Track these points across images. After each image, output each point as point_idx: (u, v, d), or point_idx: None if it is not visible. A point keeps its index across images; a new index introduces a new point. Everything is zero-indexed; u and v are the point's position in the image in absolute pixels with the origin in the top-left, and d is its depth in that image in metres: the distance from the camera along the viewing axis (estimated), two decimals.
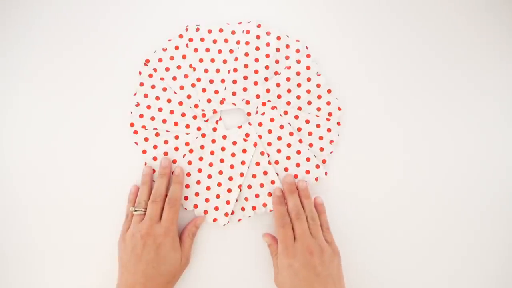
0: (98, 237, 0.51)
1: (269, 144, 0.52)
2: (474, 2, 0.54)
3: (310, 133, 0.52)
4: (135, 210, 0.48)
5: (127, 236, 0.47)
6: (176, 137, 0.51)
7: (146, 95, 0.52)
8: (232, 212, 0.51)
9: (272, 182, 0.51)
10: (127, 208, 0.50)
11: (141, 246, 0.45)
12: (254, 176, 0.51)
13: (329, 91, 0.52)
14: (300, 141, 0.52)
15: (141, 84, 0.52)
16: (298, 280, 0.45)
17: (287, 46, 0.52)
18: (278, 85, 0.52)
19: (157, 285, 0.45)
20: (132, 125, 0.51)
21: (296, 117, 0.52)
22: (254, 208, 0.51)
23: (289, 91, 0.52)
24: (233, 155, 0.51)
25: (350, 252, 0.52)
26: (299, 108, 0.52)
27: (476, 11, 0.54)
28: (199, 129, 0.52)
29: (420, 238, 0.53)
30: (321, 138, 0.52)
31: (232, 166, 0.51)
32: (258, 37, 0.52)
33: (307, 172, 0.52)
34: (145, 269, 0.45)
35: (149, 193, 0.49)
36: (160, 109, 0.52)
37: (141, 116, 0.51)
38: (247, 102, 0.52)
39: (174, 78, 0.52)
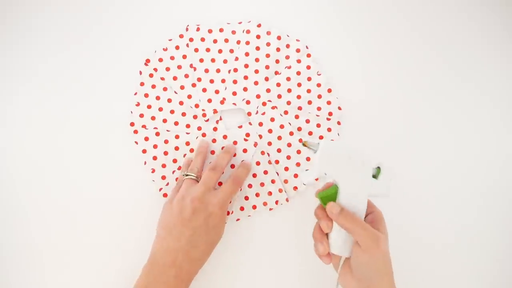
0: (98, 236, 0.51)
1: (269, 143, 0.52)
2: (475, 2, 0.55)
3: (310, 133, 0.52)
4: (187, 175, 0.46)
5: (176, 199, 0.44)
6: (177, 137, 0.51)
7: (146, 95, 0.52)
8: (232, 212, 0.51)
9: (273, 181, 0.51)
10: (179, 176, 0.49)
11: (191, 210, 0.43)
12: (254, 175, 0.51)
13: (329, 90, 0.52)
14: (300, 140, 0.52)
15: (142, 84, 0.52)
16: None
17: (287, 46, 0.53)
18: (278, 84, 0.52)
19: (199, 254, 0.43)
20: (132, 124, 0.51)
21: (297, 116, 0.52)
22: (254, 207, 0.51)
23: (289, 90, 0.52)
24: (233, 155, 0.51)
25: None
26: (300, 108, 0.52)
27: (477, 11, 0.55)
28: (199, 128, 0.52)
29: (420, 237, 0.53)
30: (321, 137, 0.52)
31: (232, 166, 0.51)
32: (258, 36, 0.52)
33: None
34: (191, 235, 0.42)
35: (203, 164, 0.48)
36: (160, 109, 0.52)
37: (141, 115, 0.51)
38: (248, 102, 0.52)
39: (175, 78, 0.52)
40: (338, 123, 0.52)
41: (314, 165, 0.40)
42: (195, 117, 0.52)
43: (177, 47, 0.52)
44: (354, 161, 0.40)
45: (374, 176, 0.41)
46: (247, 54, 0.52)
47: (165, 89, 0.52)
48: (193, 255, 0.43)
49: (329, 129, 0.52)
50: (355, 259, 0.40)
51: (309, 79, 0.52)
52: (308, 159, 0.51)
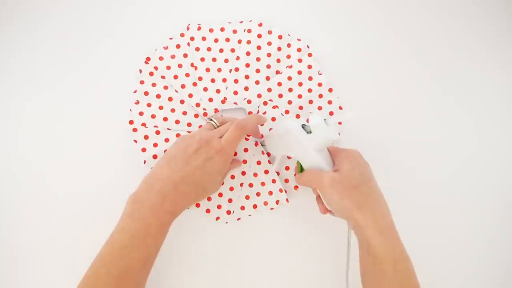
0: (97, 236, 0.50)
1: None
2: (476, 2, 0.56)
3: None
4: (211, 119, 0.47)
5: (187, 135, 0.45)
6: (178, 135, 0.51)
7: (146, 93, 0.51)
8: (232, 212, 0.51)
9: (273, 181, 0.51)
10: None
11: (194, 149, 0.43)
12: (255, 175, 0.51)
13: (330, 90, 0.52)
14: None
15: (142, 82, 0.52)
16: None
17: (289, 45, 0.53)
18: (279, 84, 0.52)
19: (188, 191, 0.43)
20: (131, 122, 0.51)
21: (298, 116, 0.52)
22: (255, 206, 0.51)
23: (290, 90, 0.52)
24: (234, 154, 0.51)
25: (352, 251, 0.52)
26: (301, 107, 0.52)
27: (478, 11, 0.56)
28: (200, 127, 0.51)
29: (421, 237, 0.53)
30: None
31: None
32: (259, 36, 0.52)
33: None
34: (186, 171, 0.42)
35: (229, 122, 0.47)
36: (161, 107, 0.51)
37: (141, 113, 0.51)
38: (249, 102, 0.52)
39: (176, 77, 0.52)
40: (339, 122, 0.52)
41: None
42: (196, 116, 0.52)
43: (178, 46, 0.52)
44: (283, 134, 0.45)
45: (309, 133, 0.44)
46: (248, 53, 0.52)
47: (165, 87, 0.52)
48: (181, 189, 0.42)
49: None
50: (325, 204, 0.44)
51: (310, 78, 0.52)
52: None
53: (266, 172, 0.51)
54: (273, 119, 0.52)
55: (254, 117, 0.47)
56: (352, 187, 0.41)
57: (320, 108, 0.52)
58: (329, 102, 0.52)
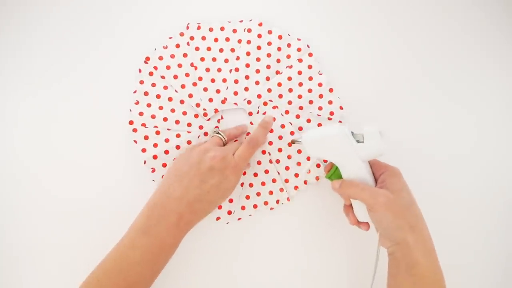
0: (96, 236, 0.50)
1: (270, 143, 0.52)
2: (477, 2, 0.55)
3: None
4: (218, 132, 0.47)
5: (197, 149, 0.44)
6: (178, 135, 0.51)
7: (146, 93, 0.51)
8: (234, 211, 0.51)
9: (274, 180, 0.51)
10: (210, 132, 0.50)
11: (208, 167, 0.43)
12: (255, 175, 0.51)
13: (330, 90, 0.52)
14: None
15: (141, 82, 0.51)
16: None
17: (289, 45, 0.53)
18: (279, 84, 0.52)
19: (201, 208, 0.43)
20: (131, 123, 0.51)
21: (298, 116, 0.52)
22: (255, 206, 0.51)
23: (290, 90, 0.52)
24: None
25: (353, 251, 0.52)
26: (301, 107, 0.52)
27: (478, 11, 0.55)
28: (201, 127, 0.51)
29: None
30: None
31: None
32: (259, 35, 0.52)
33: (309, 171, 0.52)
34: (200, 189, 0.42)
35: (235, 136, 0.48)
36: (161, 107, 0.51)
37: (140, 114, 0.51)
38: (249, 102, 0.52)
39: (175, 77, 0.51)
40: (340, 122, 0.52)
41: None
42: (196, 116, 0.51)
43: (177, 46, 0.52)
44: (328, 137, 0.44)
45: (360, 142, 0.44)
46: (248, 53, 0.52)
47: (165, 87, 0.51)
48: (196, 208, 0.43)
49: None
50: (372, 220, 0.43)
51: (310, 78, 0.52)
52: (308, 158, 0.51)
53: (266, 172, 0.51)
54: (274, 119, 0.52)
55: (263, 130, 0.47)
56: (406, 208, 0.41)
57: (320, 108, 0.52)
58: (330, 102, 0.52)
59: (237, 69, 0.52)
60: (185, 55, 0.52)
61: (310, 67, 0.52)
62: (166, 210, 0.42)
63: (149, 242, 0.41)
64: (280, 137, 0.52)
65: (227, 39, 0.52)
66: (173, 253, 0.43)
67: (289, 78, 0.52)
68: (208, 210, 0.44)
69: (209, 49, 0.52)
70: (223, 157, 0.43)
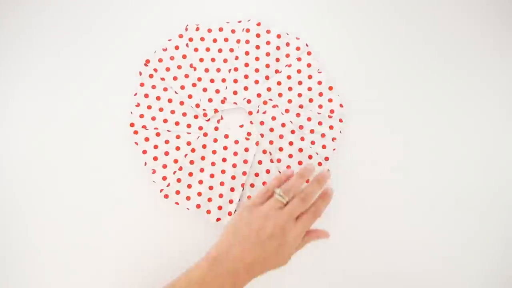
0: (98, 238, 0.50)
1: (271, 142, 0.52)
2: (477, 2, 0.55)
3: (312, 131, 0.52)
4: (280, 195, 0.45)
5: (258, 213, 0.44)
6: (177, 137, 0.51)
7: (146, 95, 0.51)
8: (235, 211, 0.51)
9: None
10: (271, 185, 0.47)
11: (269, 233, 0.43)
12: (256, 174, 0.51)
13: (330, 88, 0.52)
14: (302, 139, 0.51)
15: (142, 84, 0.52)
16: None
17: (287, 44, 0.53)
18: (279, 83, 0.52)
19: (257, 271, 0.44)
20: (132, 125, 0.51)
21: (298, 115, 0.52)
22: None
23: (290, 89, 0.52)
24: (235, 154, 0.51)
25: (353, 250, 0.51)
26: (301, 106, 0.52)
27: (479, 10, 0.55)
28: (200, 128, 0.51)
29: (423, 236, 0.52)
30: (323, 135, 0.52)
31: (234, 165, 0.51)
32: (258, 35, 0.52)
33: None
34: (258, 254, 0.43)
35: (300, 188, 0.47)
36: (161, 109, 0.51)
37: (141, 116, 0.51)
38: (248, 101, 0.52)
39: (175, 78, 0.52)
40: (340, 120, 0.52)
41: None
42: (196, 117, 0.51)
43: (176, 47, 0.52)
44: None
45: None
46: (247, 53, 0.52)
47: (165, 89, 0.52)
48: (253, 270, 0.43)
49: (331, 127, 0.52)
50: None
51: (309, 77, 0.52)
52: (310, 157, 0.51)
53: (268, 171, 0.51)
54: (273, 118, 0.51)
55: (327, 203, 0.47)
56: None
57: (320, 106, 0.52)
58: (330, 100, 0.52)
59: (236, 69, 0.52)
60: (184, 56, 0.52)
61: (309, 65, 0.52)
62: (225, 268, 0.42)
63: None
64: (281, 136, 0.51)
65: (226, 40, 0.52)
66: None
67: (289, 77, 0.52)
68: (263, 272, 0.45)
69: (208, 49, 0.52)
70: (284, 226, 0.44)
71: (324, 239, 0.49)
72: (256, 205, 0.45)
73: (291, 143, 0.51)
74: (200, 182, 0.51)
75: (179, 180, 0.50)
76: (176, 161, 0.51)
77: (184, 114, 0.51)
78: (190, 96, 0.52)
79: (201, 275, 0.42)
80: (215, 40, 0.52)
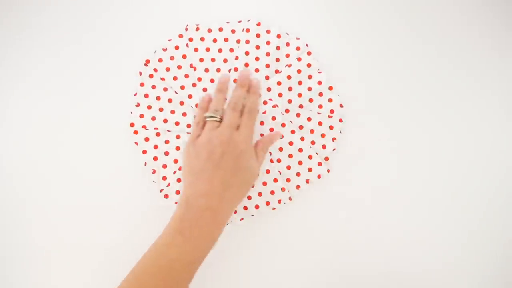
0: (98, 238, 0.51)
1: None
2: (477, 2, 0.55)
3: (312, 131, 0.52)
4: (211, 116, 0.45)
5: (200, 142, 0.44)
6: (177, 137, 0.51)
7: (146, 95, 0.51)
8: (235, 211, 0.51)
9: (275, 180, 0.51)
10: (198, 115, 0.47)
11: (220, 153, 0.42)
12: None
13: (330, 88, 0.52)
14: (302, 139, 0.51)
15: (142, 85, 0.52)
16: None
17: (287, 44, 0.53)
18: (279, 83, 0.52)
19: (233, 195, 0.43)
20: (132, 125, 0.51)
21: (298, 115, 0.52)
22: (257, 206, 0.51)
23: (290, 89, 0.52)
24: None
25: (352, 250, 0.51)
26: (301, 106, 0.52)
27: (478, 11, 0.55)
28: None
29: (424, 235, 0.52)
30: (323, 135, 0.52)
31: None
32: (258, 35, 0.52)
33: (310, 169, 0.51)
34: (223, 177, 0.42)
35: (225, 101, 0.47)
36: (161, 109, 0.51)
37: (141, 116, 0.51)
38: None
39: (175, 78, 0.52)
40: (340, 120, 0.52)
41: None
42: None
43: (176, 47, 0.52)
44: None
45: None
46: (247, 53, 0.52)
47: (165, 89, 0.52)
48: (227, 197, 0.42)
49: (331, 127, 0.52)
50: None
51: (309, 77, 0.52)
52: (310, 157, 0.51)
53: (268, 171, 0.51)
54: (273, 118, 0.51)
55: (257, 96, 0.47)
56: None
57: (320, 106, 0.52)
58: (330, 100, 0.52)
59: (236, 69, 0.52)
60: (184, 56, 0.52)
61: (309, 65, 0.52)
62: (199, 209, 0.41)
63: (185, 241, 0.41)
64: (282, 136, 0.51)
65: (226, 40, 0.52)
66: (209, 250, 0.43)
67: (289, 77, 0.52)
68: (242, 193, 0.44)
69: (208, 49, 0.52)
70: (229, 139, 0.43)
71: (277, 139, 0.49)
72: (196, 138, 0.45)
73: (291, 143, 0.51)
74: None
75: (179, 180, 0.50)
76: (176, 161, 0.51)
77: (184, 114, 0.51)
78: (190, 96, 0.52)
79: (177, 223, 0.41)
80: (215, 40, 0.52)
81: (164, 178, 0.51)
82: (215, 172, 0.42)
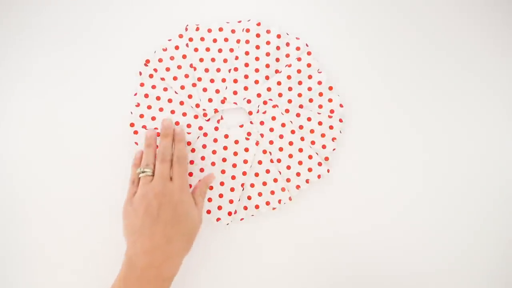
0: (97, 238, 0.51)
1: (271, 142, 0.52)
2: (478, 2, 0.55)
3: (312, 131, 0.52)
4: (143, 171, 0.45)
5: (136, 199, 0.43)
6: None
7: (146, 95, 0.51)
8: (235, 212, 0.51)
9: (275, 180, 0.51)
10: (132, 174, 0.47)
11: (157, 206, 0.42)
12: (256, 174, 0.51)
13: (330, 88, 0.52)
14: (302, 139, 0.51)
15: (142, 85, 0.52)
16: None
17: (287, 44, 0.53)
18: (279, 83, 0.52)
19: (177, 247, 0.42)
20: (132, 125, 0.51)
21: (298, 115, 0.52)
22: (257, 206, 0.51)
23: (290, 89, 0.52)
24: (235, 154, 0.51)
25: (352, 250, 0.51)
26: (301, 106, 0.52)
27: (480, 11, 0.55)
28: (200, 128, 0.51)
29: (423, 236, 0.52)
30: (323, 135, 0.52)
31: (234, 165, 0.51)
32: (258, 35, 0.52)
33: (310, 169, 0.51)
34: (163, 230, 0.41)
35: (154, 155, 0.47)
36: (161, 109, 0.51)
37: (141, 116, 0.51)
38: (248, 101, 0.52)
39: (175, 78, 0.52)
40: (340, 120, 0.52)
41: None
42: (196, 117, 0.52)
43: (176, 47, 0.52)
44: None
45: None
46: (247, 53, 0.52)
47: (165, 89, 0.52)
48: (171, 251, 0.42)
49: (331, 127, 0.52)
50: None
51: (309, 77, 0.52)
52: (310, 157, 0.51)
53: (268, 171, 0.51)
54: (273, 118, 0.51)
55: (180, 143, 0.47)
56: None
57: (320, 106, 0.52)
58: (330, 100, 0.52)
59: (236, 69, 0.52)
60: (184, 56, 0.52)
61: (309, 65, 0.52)
62: (142, 269, 0.41)
63: None
64: (281, 136, 0.51)
65: (226, 40, 0.52)
66: None
67: (289, 77, 0.52)
68: (186, 245, 0.44)
69: (208, 49, 0.52)
70: (163, 190, 0.43)
71: (212, 181, 0.49)
72: (132, 196, 0.45)
73: (291, 143, 0.51)
74: None
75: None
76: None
77: (184, 114, 0.51)
78: (190, 96, 0.52)
79: (122, 283, 0.41)
80: (215, 40, 0.52)
81: None
82: (154, 226, 0.41)
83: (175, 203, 0.43)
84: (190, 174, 0.50)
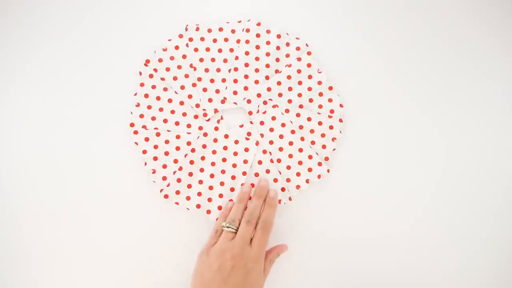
0: (97, 238, 0.50)
1: (271, 142, 0.52)
2: (478, 2, 0.55)
3: (312, 131, 0.52)
4: (228, 227, 0.46)
5: (214, 252, 0.45)
6: (177, 137, 0.51)
7: (146, 95, 0.51)
8: None
9: (275, 180, 0.51)
10: (217, 223, 0.48)
11: (230, 267, 0.43)
12: (256, 174, 0.51)
13: (330, 88, 0.52)
14: (302, 139, 0.51)
15: (142, 84, 0.52)
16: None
17: (287, 44, 0.53)
18: (279, 83, 0.52)
19: None
20: (132, 125, 0.51)
21: (298, 115, 0.52)
22: None
23: (290, 89, 0.52)
24: (235, 154, 0.51)
25: (352, 250, 0.51)
26: (301, 106, 0.52)
27: (480, 11, 0.55)
28: (200, 128, 0.51)
29: (423, 236, 0.52)
30: (323, 135, 0.52)
31: (234, 165, 0.51)
32: (258, 35, 0.52)
33: (310, 169, 0.51)
34: None
35: (243, 212, 0.48)
36: (161, 109, 0.51)
37: (141, 116, 0.51)
38: (248, 101, 0.52)
39: (175, 78, 0.52)
40: (340, 120, 0.52)
41: None
42: (196, 117, 0.52)
43: (176, 47, 0.52)
44: None
45: None
46: (247, 53, 0.52)
47: (165, 89, 0.52)
48: None
49: (331, 127, 0.52)
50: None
51: (309, 77, 0.52)
52: (310, 157, 0.51)
53: (268, 171, 0.51)
54: (273, 118, 0.51)
55: (271, 209, 0.47)
56: None
57: (320, 106, 0.52)
58: (330, 100, 0.52)
59: (236, 69, 0.52)
60: (184, 56, 0.52)
61: (309, 65, 0.52)
62: None
63: None
64: (281, 136, 0.51)
65: (226, 40, 0.52)
66: None
67: (289, 77, 0.52)
68: None
69: (208, 49, 0.52)
70: (242, 253, 0.44)
71: (284, 252, 0.49)
72: (211, 246, 0.46)
73: (291, 143, 0.51)
74: (200, 182, 0.51)
75: (179, 180, 0.50)
76: (176, 161, 0.51)
77: (184, 114, 0.51)
78: (190, 96, 0.52)
79: None
80: (215, 40, 0.52)
81: (164, 178, 0.51)
82: (222, 285, 0.43)
83: (248, 270, 0.44)
84: (190, 174, 0.51)
